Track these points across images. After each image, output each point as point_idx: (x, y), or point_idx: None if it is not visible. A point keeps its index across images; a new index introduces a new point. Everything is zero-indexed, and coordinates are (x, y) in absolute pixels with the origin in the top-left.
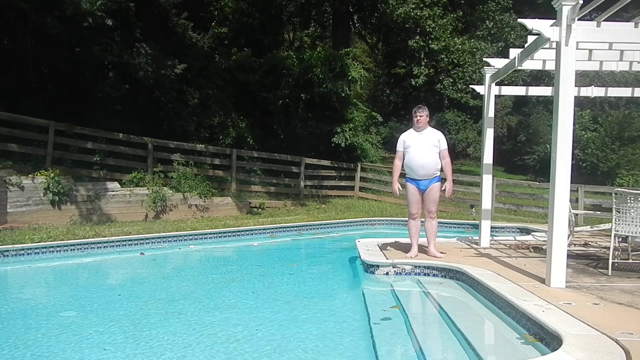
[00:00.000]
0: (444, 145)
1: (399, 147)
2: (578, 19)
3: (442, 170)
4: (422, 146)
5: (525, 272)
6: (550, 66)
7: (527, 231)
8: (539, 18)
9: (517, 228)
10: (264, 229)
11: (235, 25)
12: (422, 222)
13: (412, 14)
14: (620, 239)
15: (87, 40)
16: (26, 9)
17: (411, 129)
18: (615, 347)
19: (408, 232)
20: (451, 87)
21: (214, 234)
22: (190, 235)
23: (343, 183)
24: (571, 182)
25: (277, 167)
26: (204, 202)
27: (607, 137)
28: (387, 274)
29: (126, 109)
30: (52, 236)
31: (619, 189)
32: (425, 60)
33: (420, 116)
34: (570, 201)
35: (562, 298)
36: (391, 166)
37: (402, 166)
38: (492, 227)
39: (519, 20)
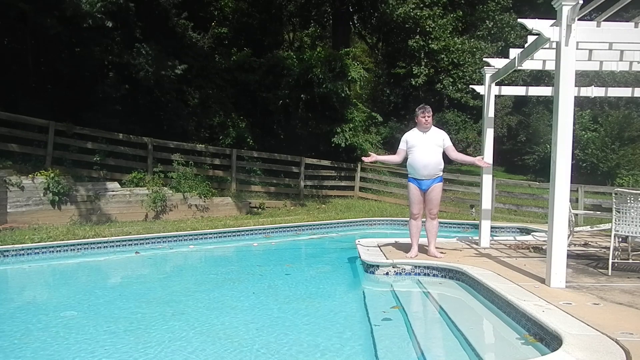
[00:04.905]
0: (448, 142)
1: (402, 145)
2: (578, 19)
3: (442, 171)
4: (427, 146)
5: (525, 272)
6: (550, 66)
7: (527, 231)
8: (539, 18)
9: (517, 228)
10: (263, 229)
11: (235, 25)
12: (422, 222)
13: (412, 13)
14: (620, 239)
15: (87, 41)
16: (26, 9)
17: (414, 129)
18: (615, 347)
19: (409, 231)
20: (451, 87)
21: (214, 234)
22: (190, 236)
23: (343, 183)
24: (571, 182)
25: (277, 167)
26: (204, 202)
27: (607, 137)
28: (387, 274)
29: (126, 109)
30: (52, 236)
31: (619, 189)
32: (425, 60)
33: (429, 117)
34: (570, 201)
35: (562, 298)
36: (391, 166)
37: (400, 164)
38: (492, 227)
39: (519, 20)
